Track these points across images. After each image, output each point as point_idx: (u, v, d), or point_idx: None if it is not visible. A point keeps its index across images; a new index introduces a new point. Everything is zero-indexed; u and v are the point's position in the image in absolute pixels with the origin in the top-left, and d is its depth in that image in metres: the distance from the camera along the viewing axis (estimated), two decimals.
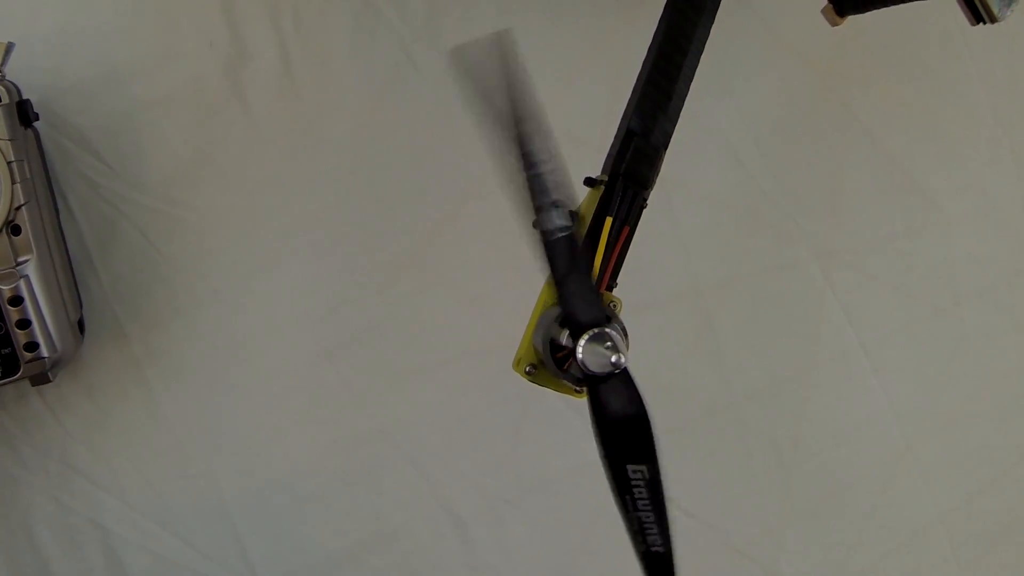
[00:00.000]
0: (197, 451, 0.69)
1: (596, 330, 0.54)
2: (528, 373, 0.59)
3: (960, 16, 0.73)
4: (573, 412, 0.71)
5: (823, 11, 0.60)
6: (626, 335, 0.56)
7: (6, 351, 0.62)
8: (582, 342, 0.54)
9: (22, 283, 0.61)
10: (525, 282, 0.66)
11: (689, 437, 0.72)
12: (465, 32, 0.70)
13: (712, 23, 0.58)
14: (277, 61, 0.69)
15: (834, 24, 0.61)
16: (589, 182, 0.59)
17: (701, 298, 0.72)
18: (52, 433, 0.68)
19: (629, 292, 0.67)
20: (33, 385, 0.64)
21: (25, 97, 0.63)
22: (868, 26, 0.72)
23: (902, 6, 0.59)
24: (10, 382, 0.63)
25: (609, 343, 0.54)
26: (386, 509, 0.70)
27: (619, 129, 0.59)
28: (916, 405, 0.74)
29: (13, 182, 0.61)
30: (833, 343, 0.73)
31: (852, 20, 0.70)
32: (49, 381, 0.64)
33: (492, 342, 0.70)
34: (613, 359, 0.53)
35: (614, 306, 0.59)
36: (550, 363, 0.56)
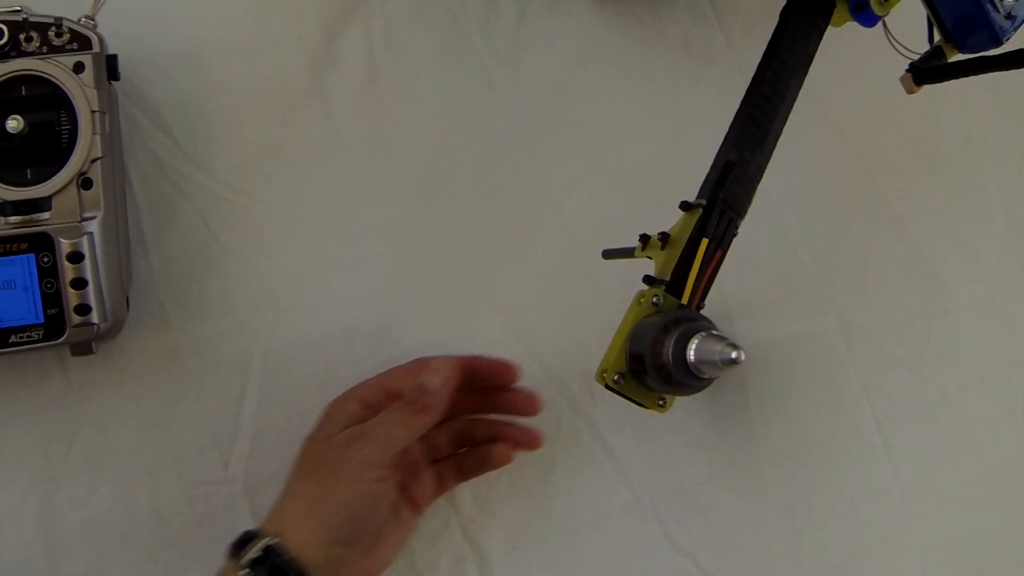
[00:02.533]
0: (229, 458, 0.65)
1: (706, 332, 0.56)
2: (615, 382, 0.59)
3: (983, 115, 0.81)
4: (609, 458, 0.71)
5: (901, 79, 0.64)
6: None
7: (53, 311, 0.58)
8: (694, 343, 0.56)
9: (84, 239, 0.58)
10: (576, 319, 0.71)
11: (711, 491, 0.73)
12: (545, 68, 0.72)
13: (805, 78, 0.62)
14: (364, 68, 0.69)
15: (910, 92, 0.65)
16: (685, 206, 0.61)
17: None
18: (72, 415, 0.63)
19: None
20: (74, 354, 0.60)
21: (113, 52, 0.61)
22: (905, 116, 0.78)
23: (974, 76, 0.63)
24: (52, 346, 0.58)
25: (726, 341, 0.55)
26: (414, 542, 0.67)
27: (716, 159, 0.62)
28: (919, 484, 0.77)
29: (94, 133, 0.58)
30: (850, 416, 0.76)
31: (891, 109, 0.77)
32: (92, 352, 0.60)
33: (536, 377, 0.70)
34: (733, 355, 0.54)
35: None
36: (650, 368, 0.57)
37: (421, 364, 0.65)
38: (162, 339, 0.64)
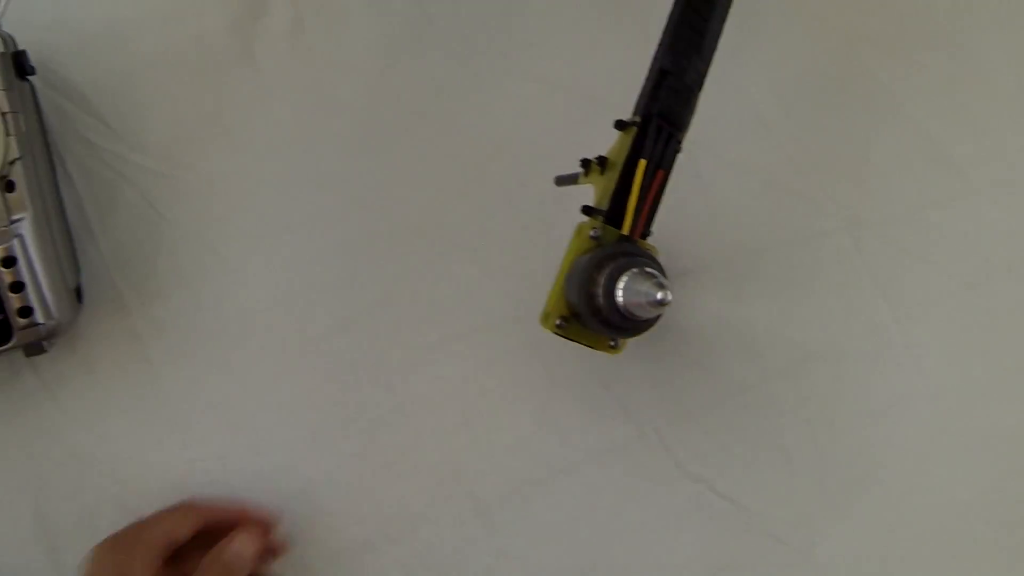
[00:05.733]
0: (203, 433, 0.65)
1: (636, 269, 0.52)
2: (558, 327, 0.56)
3: None
4: (602, 388, 0.68)
5: None
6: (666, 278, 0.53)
7: None
8: (621, 282, 0.52)
9: (16, 242, 0.58)
10: (548, 247, 0.63)
11: (722, 415, 0.69)
12: None
13: None
14: (288, 19, 0.66)
15: None
16: (620, 125, 0.57)
17: (731, 268, 0.69)
18: (48, 412, 0.64)
19: None
20: (27, 355, 0.61)
21: (21, 48, 0.59)
22: None
23: None
24: (3, 351, 0.59)
25: (654, 280, 0.51)
26: (406, 494, 0.66)
27: (650, 70, 0.57)
28: (949, 382, 0.71)
29: (7, 134, 0.58)
30: (865, 317, 0.70)
31: None
32: (44, 351, 0.61)
33: (516, 313, 0.67)
34: (659, 296, 0.50)
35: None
36: (585, 313, 0.53)
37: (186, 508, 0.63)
38: (123, 323, 0.64)
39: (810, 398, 0.70)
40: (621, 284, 0.51)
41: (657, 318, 0.53)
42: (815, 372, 0.70)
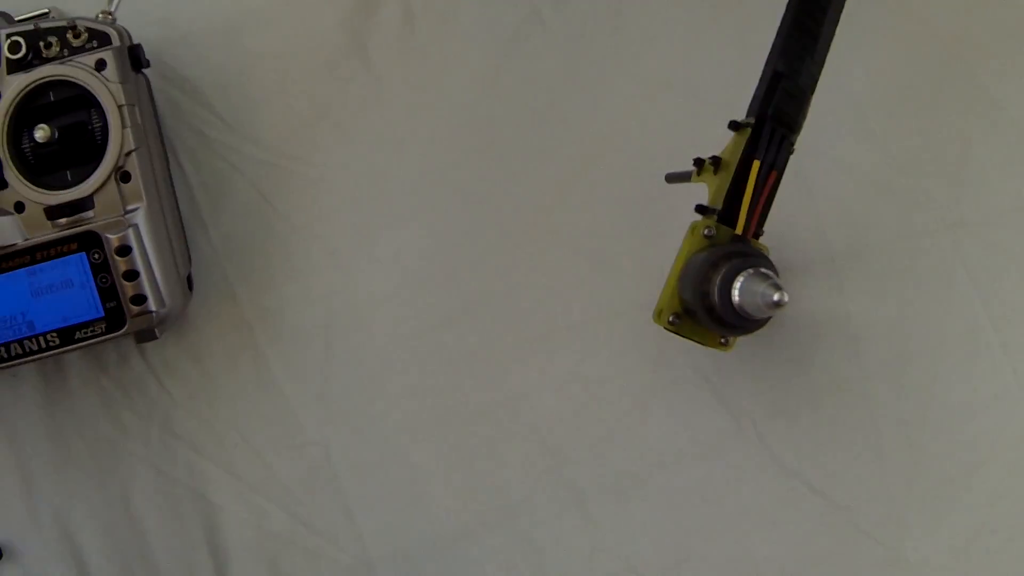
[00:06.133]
0: (308, 420, 0.66)
1: (752, 270, 0.53)
2: (671, 324, 0.57)
3: None
4: (707, 385, 0.69)
5: None
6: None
7: (112, 304, 0.60)
8: (738, 283, 0.53)
9: (131, 232, 0.59)
10: (655, 244, 0.64)
11: (818, 411, 0.69)
12: None
13: None
14: (400, 14, 0.67)
15: None
16: (734, 126, 0.57)
17: (832, 266, 0.69)
18: (155, 398, 0.66)
19: None
20: (138, 342, 0.62)
21: (136, 42, 0.61)
22: None
23: None
24: (115, 337, 0.60)
25: (770, 281, 0.52)
26: (506, 484, 0.67)
27: (764, 72, 0.57)
28: None
29: (124, 126, 0.59)
30: (962, 317, 0.70)
31: None
32: (156, 338, 0.62)
33: (621, 307, 0.67)
34: (775, 297, 0.51)
35: None
36: (700, 311, 0.54)
37: None
38: (232, 313, 0.66)
39: (906, 397, 0.70)
40: (737, 284, 0.52)
41: (770, 318, 0.53)
42: (912, 372, 0.70)
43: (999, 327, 0.70)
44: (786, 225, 0.67)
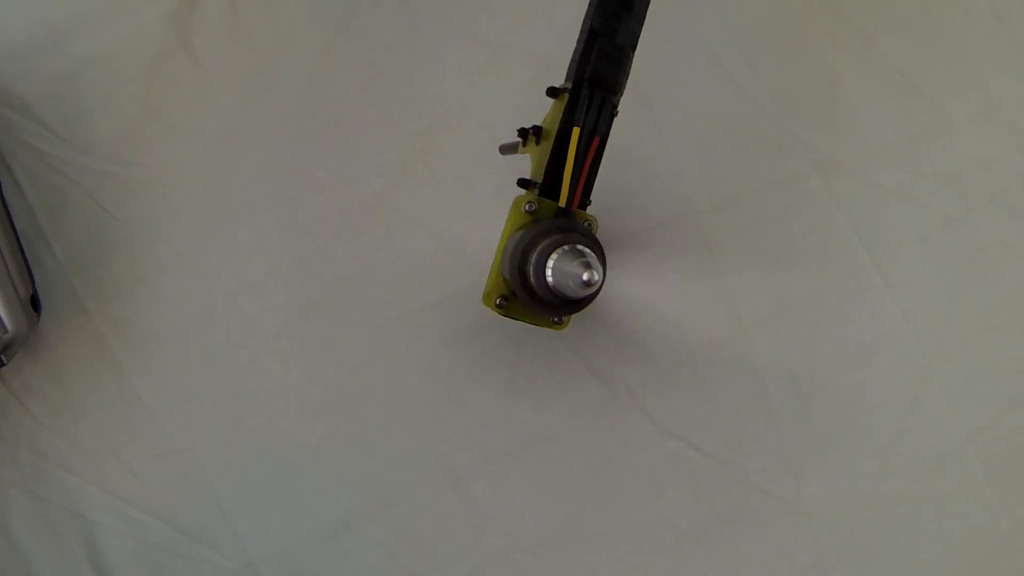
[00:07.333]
0: (174, 426, 0.65)
1: (567, 247, 0.50)
2: (499, 307, 0.55)
3: None
4: (570, 352, 0.67)
5: None
6: (603, 256, 0.52)
7: None
8: (551, 262, 0.50)
9: None
10: (501, 217, 0.61)
11: (697, 372, 0.68)
12: None
13: None
14: (224, 3, 0.65)
15: None
16: (552, 92, 0.55)
17: (697, 221, 0.67)
18: (19, 421, 0.65)
19: (617, 219, 0.63)
20: None
21: None
22: None
23: None
24: None
25: (581, 259, 0.49)
26: (380, 472, 0.66)
27: (581, 32, 0.55)
28: (935, 320, 0.69)
29: None
30: (841, 260, 0.69)
31: None
32: (3, 364, 0.60)
33: (477, 284, 0.65)
34: (584, 276, 0.48)
35: (589, 225, 0.54)
36: (520, 292, 0.52)
37: None
38: (85, 326, 0.64)
39: (789, 348, 0.68)
40: (550, 264, 0.50)
41: (595, 295, 0.51)
42: (793, 320, 0.68)
43: (882, 268, 0.69)
44: (642, 180, 0.65)
